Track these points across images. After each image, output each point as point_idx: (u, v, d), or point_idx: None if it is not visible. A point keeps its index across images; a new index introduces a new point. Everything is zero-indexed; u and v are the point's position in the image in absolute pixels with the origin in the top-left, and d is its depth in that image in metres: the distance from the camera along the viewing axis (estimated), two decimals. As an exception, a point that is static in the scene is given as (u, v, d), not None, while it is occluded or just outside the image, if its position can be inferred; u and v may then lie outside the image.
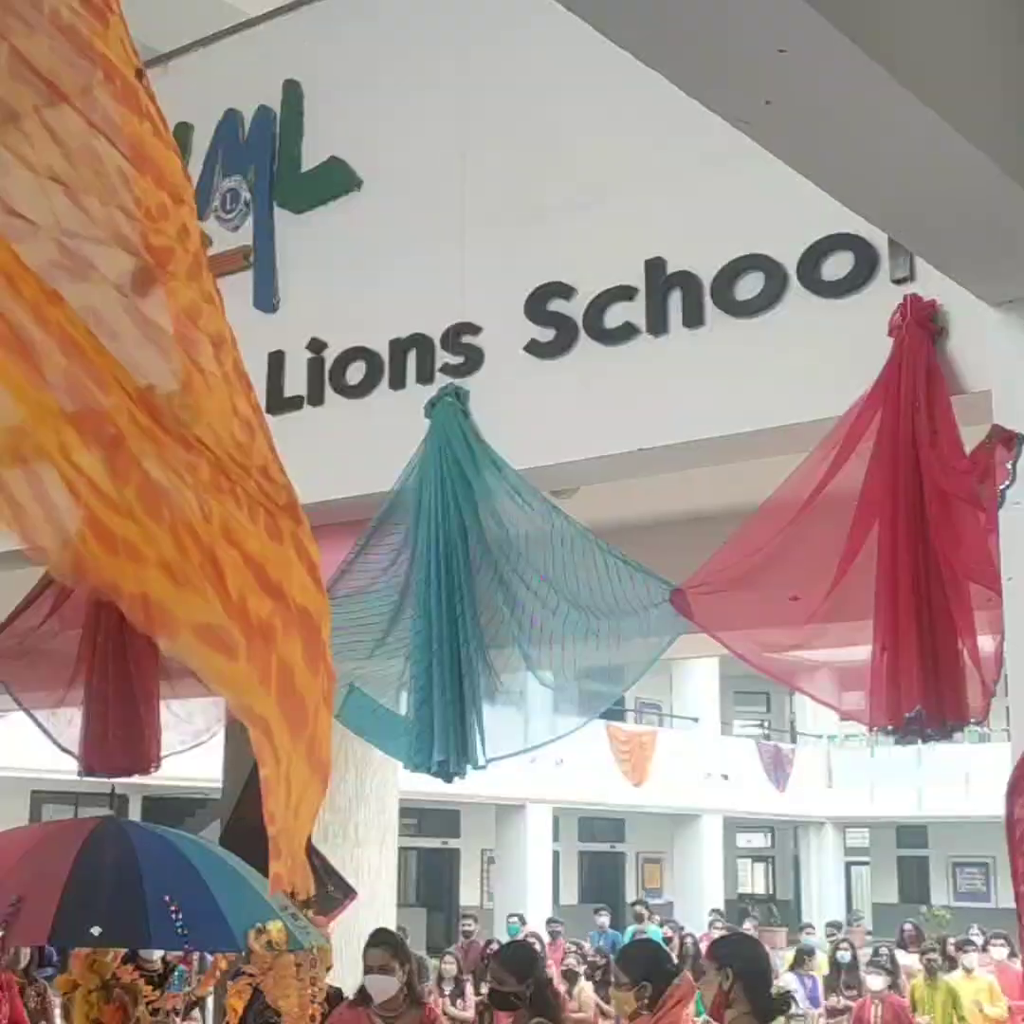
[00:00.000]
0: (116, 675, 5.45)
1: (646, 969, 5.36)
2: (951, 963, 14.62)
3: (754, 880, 40.07)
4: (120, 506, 1.76)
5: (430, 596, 4.69)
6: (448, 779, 4.69)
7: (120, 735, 5.39)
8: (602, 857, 33.63)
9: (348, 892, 9.30)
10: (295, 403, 5.34)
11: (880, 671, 3.79)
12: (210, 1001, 9.33)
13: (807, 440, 4.09)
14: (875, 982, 11.86)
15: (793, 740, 35.77)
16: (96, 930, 4.22)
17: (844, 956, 13.73)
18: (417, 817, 28.93)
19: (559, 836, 30.23)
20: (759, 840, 40.66)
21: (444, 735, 4.59)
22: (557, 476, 4.75)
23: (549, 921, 17.63)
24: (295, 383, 5.35)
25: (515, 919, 17.60)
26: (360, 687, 5.07)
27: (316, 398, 5.32)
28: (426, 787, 20.74)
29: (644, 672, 4.49)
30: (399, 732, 4.84)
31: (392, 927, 9.91)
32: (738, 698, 37.66)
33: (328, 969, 4.88)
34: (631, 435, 4.51)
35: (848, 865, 36.80)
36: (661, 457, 4.54)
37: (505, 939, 17.16)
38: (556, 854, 29.81)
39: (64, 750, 5.71)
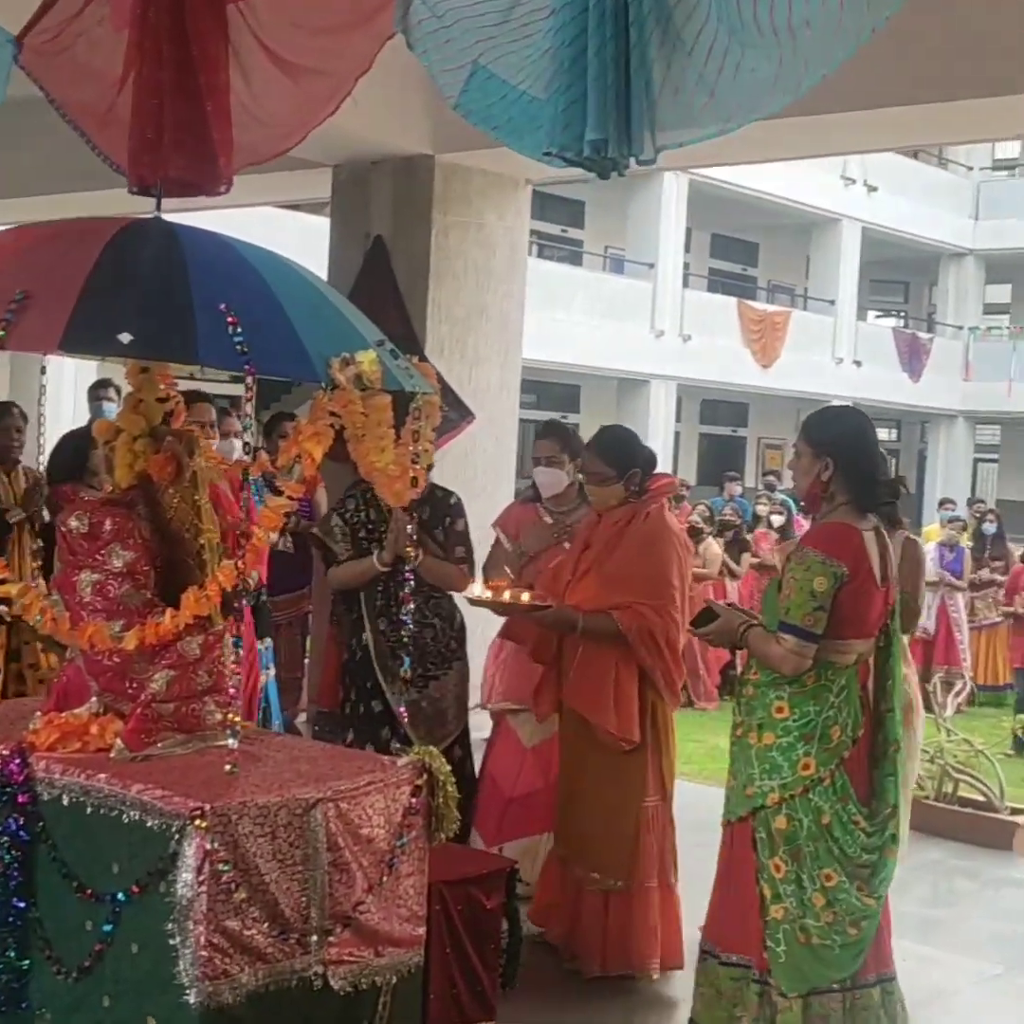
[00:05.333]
0: (174, 61, 4.17)
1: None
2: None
3: (875, 474, 39.41)
4: None
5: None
6: (604, 172, 3.43)
7: (181, 138, 4.13)
8: (723, 441, 33.10)
9: (465, 414, 8.33)
10: None
11: None
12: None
13: None
14: (1036, 548, 10.91)
15: (930, 330, 34.25)
16: (125, 337, 3.13)
17: (990, 528, 12.74)
18: (536, 391, 28.26)
19: (681, 417, 29.52)
20: (884, 434, 39.88)
21: (601, 107, 3.27)
22: None
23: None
24: None
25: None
26: (487, 66, 3.75)
27: None
28: (548, 356, 19.88)
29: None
30: (539, 121, 3.55)
31: (513, 455, 9.02)
32: (875, 287, 36.04)
33: (434, 429, 3.82)
34: None
35: (976, 461, 35.93)
36: None
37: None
38: (677, 435, 29.16)
39: (114, 168, 4.53)
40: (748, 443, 33.67)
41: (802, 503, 4.50)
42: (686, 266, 28.41)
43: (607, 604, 4.92)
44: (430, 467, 4.23)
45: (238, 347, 3.17)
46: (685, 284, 27.55)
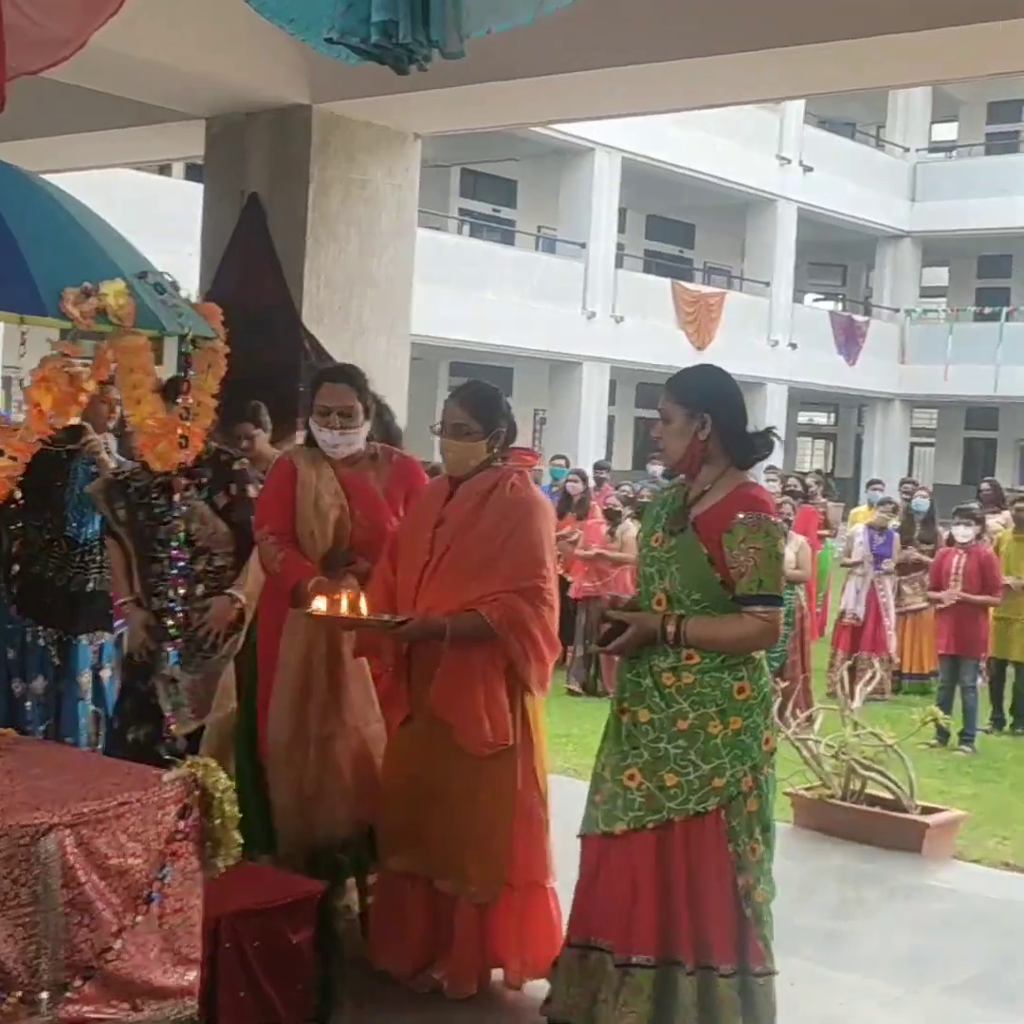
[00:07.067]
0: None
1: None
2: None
3: (813, 459, 39.23)
4: None
5: None
6: (400, 65, 2.86)
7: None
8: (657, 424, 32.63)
9: (347, 385, 7.74)
10: None
11: None
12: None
13: None
14: (963, 532, 10.39)
15: (867, 313, 33.94)
16: None
17: (921, 504, 12.17)
18: (468, 374, 27.68)
19: (615, 400, 29.07)
20: (821, 418, 39.66)
21: (392, -17, 2.71)
22: None
23: (597, 466, 16.27)
24: None
25: (560, 461, 16.22)
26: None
27: None
28: (478, 338, 19.62)
29: None
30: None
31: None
32: (813, 269, 35.72)
33: (219, 379, 3.24)
34: None
35: (912, 446, 35.80)
36: None
37: (547, 482, 15.93)
38: (611, 418, 28.70)
39: None
40: (684, 427, 33.23)
41: (674, 469, 4.07)
42: (621, 247, 27.97)
43: (473, 594, 4.37)
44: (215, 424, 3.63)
45: (-62, 272, 2.59)
46: (619, 265, 27.08)
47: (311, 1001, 3.60)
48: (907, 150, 33.35)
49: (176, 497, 3.24)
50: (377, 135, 7.85)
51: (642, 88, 7.04)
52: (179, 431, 2.95)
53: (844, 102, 31.09)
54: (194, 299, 8.04)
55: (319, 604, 4.31)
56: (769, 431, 3.95)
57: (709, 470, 3.85)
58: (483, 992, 4.40)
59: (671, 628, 3.75)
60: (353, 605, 4.31)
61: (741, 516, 3.73)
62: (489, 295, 23.48)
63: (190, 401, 2.98)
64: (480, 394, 4.67)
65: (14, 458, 2.78)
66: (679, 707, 3.77)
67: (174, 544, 3.06)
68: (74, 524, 5.88)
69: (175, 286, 3.19)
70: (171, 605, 3.01)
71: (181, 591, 3.00)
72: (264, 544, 4.59)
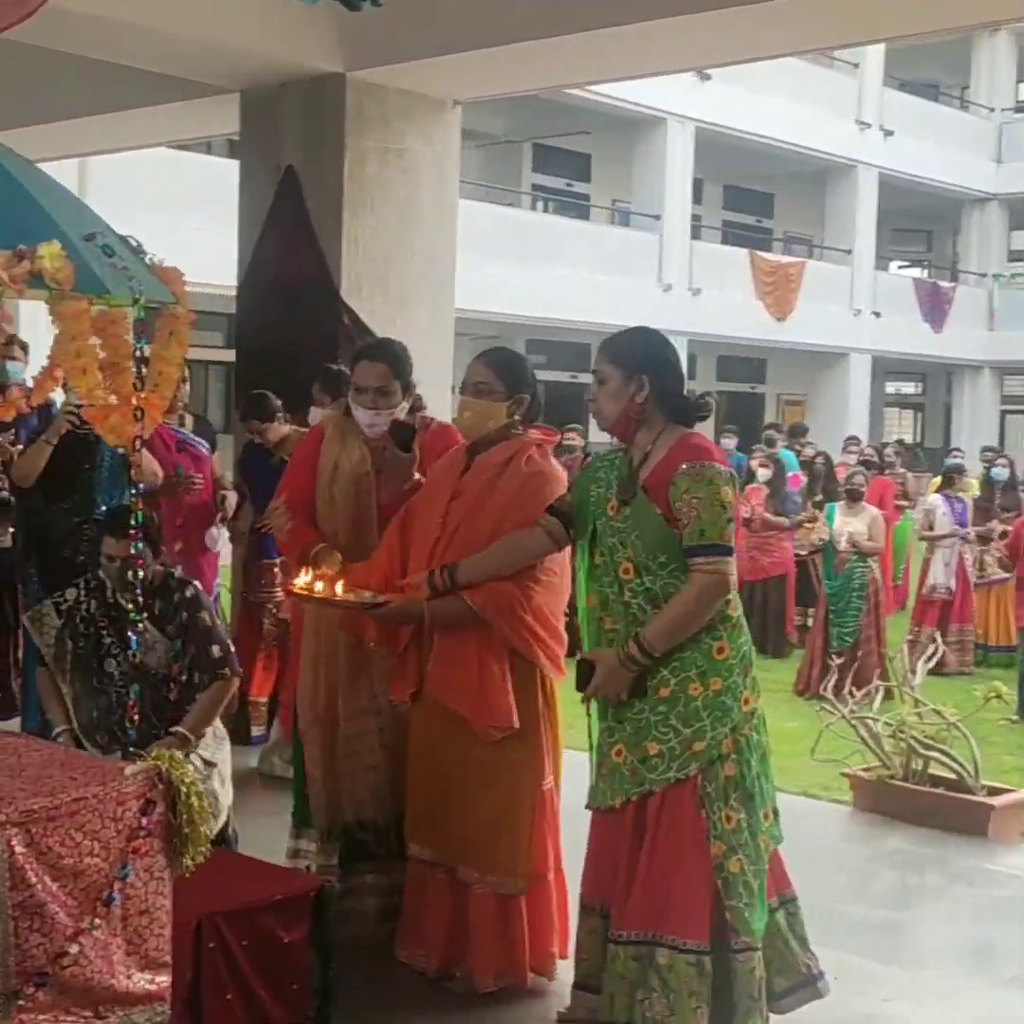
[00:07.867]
0: None
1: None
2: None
3: (901, 429, 38.47)
4: None
5: None
6: (352, 4, 2.66)
7: None
8: (741, 398, 32.19)
9: (389, 360, 7.56)
10: None
11: None
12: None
13: None
14: (1038, 497, 9.99)
15: (954, 279, 33.16)
16: None
17: (1000, 473, 11.74)
18: (546, 350, 27.46)
19: (696, 374, 28.69)
20: (909, 388, 38.93)
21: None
22: None
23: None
24: None
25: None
26: None
27: None
28: (553, 314, 19.45)
29: None
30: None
31: (447, 403, 8.22)
32: (896, 236, 34.95)
33: (182, 347, 3.05)
34: None
35: (1003, 414, 34.91)
36: None
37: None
38: (691, 392, 28.32)
39: None
40: (767, 399, 32.78)
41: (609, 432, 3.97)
42: (698, 218, 27.54)
43: None
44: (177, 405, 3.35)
45: None
46: (695, 236, 26.68)
47: (308, 1001, 3.42)
48: (992, 110, 32.48)
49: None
50: (414, 101, 7.66)
51: (688, 41, 6.74)
52: (134, 402, 2.76)
53: (925, 63, 30.34)
54: (233, 275, 7.96)
55: (300, 580, 4.23)
56: (705, 396, 3.92)
57: (647, 432, 3.80)
58: (507, 987, 4.20)
59: (633, 649, 3.67)
60: (330, 583, 4.19)
61: (683, 467, 3.68)
62: (564, 270, 23.21)
63: (148, 371, 2.79)
64: (505, 356, 4.53)
65: None
66: (662, 676, 3.70)
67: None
68: (103, 507, 5.76)
69: (139, 249, 3.01)
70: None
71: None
72: (275, 513, 4.59)
